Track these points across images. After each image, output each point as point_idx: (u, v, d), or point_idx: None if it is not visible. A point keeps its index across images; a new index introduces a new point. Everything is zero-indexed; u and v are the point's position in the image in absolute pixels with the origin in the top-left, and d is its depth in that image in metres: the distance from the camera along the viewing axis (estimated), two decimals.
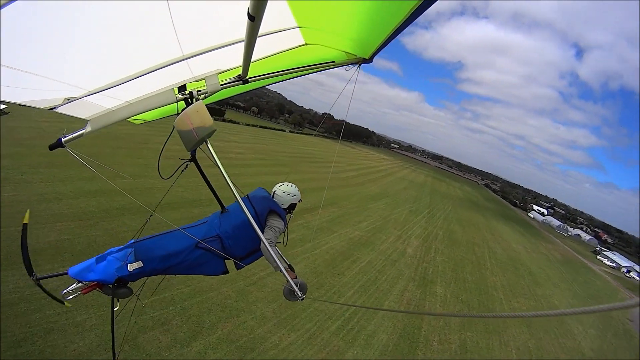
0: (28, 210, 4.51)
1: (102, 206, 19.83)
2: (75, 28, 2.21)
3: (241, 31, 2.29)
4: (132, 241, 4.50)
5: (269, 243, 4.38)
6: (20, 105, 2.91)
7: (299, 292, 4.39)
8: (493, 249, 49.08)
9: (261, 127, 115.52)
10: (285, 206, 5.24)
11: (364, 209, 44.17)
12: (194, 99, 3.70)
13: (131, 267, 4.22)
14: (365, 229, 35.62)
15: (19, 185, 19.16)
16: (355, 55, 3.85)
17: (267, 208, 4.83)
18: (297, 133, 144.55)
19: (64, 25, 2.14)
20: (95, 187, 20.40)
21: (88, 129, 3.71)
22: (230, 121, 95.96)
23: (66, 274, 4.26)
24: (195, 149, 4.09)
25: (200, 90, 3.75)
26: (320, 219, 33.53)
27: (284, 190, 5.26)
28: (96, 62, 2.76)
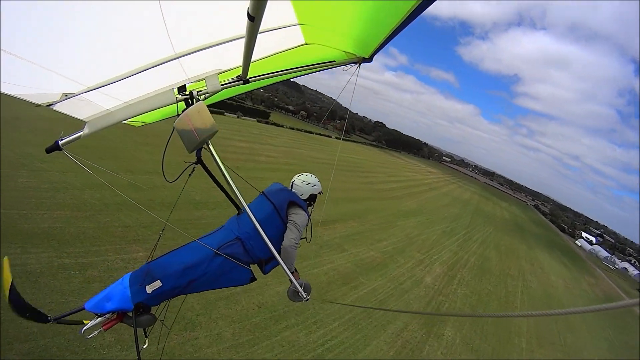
0: (6, 258, 3.76)
1: (105, 200, 20.07)
2: (74, 18, 2.20)
3: (241, 28, 2.27)
4: (147, 262, 4.23)
5: (294, 244, 4.30)
6: (18, 98, 2.89)
7: (303, 293, 4.32)
8: (528, 283, 42.58)
9: (306, 131, 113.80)
10: (305, 197, 5.00)
11: (391, 226, 39.89)
12: (195, 100, 3.65)
13: (150, 288, 3.92)
14: (383, 249, 31.34)
15: (34, 172, 20.27)
16: (355, 55, 3.86)
17: (287, 200, 4.60)
18: (344, 139, 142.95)
19: (63, 14, 2.12)
20: (100, 181, 21.28)
21: (86, 131, 3.65)
22: (274, 124, 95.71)
23: (83, 309, 3.95)
24: (200, 150, 4.01)
25: (200, 91, 3.71)
26: (334, 234, 30.29)
27: (303, 180, 5.06)
28: (95, 56, 2.74)
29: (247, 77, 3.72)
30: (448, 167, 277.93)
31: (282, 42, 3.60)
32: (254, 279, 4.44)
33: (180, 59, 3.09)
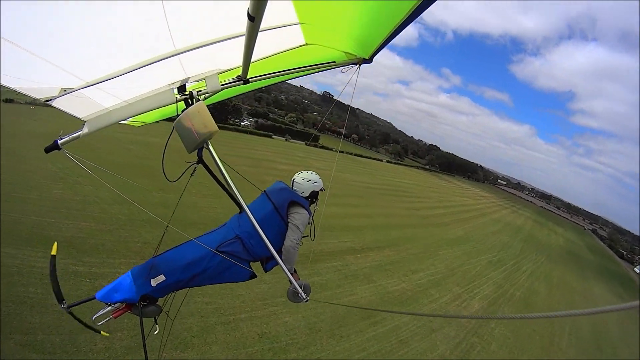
0: (55, 243, 4.61)
1: (131, 215, 20.60)
2: (78, 10, 2.22)
3: (241, 28, 2.29)
4: (153, 256, 4.43)
5: (295, 244, 4.35)
6: (16, 91, 2.91)
7: (303, 294, 4.38)
8: (577, 320, 37.43)
9: (355, 154, 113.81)
10: (306, 194, 5.02)
11: (432, 255, 36.14)
12: (194, 100, 3.67)
13: (154, 281, 4.16)
14: (417, 281, 27.65)
15: (70, 185, 21.89)
16: (355, 56, 3.87)
17: (287, 199, 4.63)
18: (394, 163, 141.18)
19: (66, 5, 2.15)
20: (133, 198, 22.15)
21: (85, 130, 3.70)
22: (322, 147, 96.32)
23: (94, 298, 4.29)
24: (201, 150, 4.04)
25: (200, 91, 3.72)
26: (364, 263, 27.08)
27: (304, 177, 5.06)
28: (96, 51, 2.76)
29: (247, 77, 3.74)
30: (503, 190, 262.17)
31: (282, 42, 3.61)
32: (254, 276, 4.54)
33: (180, 56, 3.11)
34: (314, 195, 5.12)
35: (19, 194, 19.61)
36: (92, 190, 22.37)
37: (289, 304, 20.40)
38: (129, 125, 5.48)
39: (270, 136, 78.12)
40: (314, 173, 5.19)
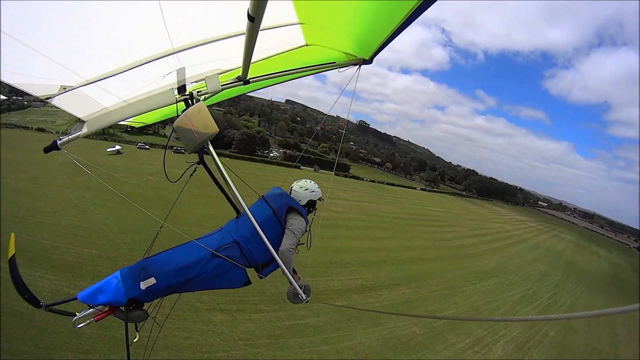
0: (12, 235, 4.21)
1: (132, 245, 21.02)
2: (78, 8, 2.24)
3: (241, 29, 2.30)
4: (144, 257, 4.25)
5: (290, 249, 4.23)
6: (16, 88, 2.87)
7: (303, 295, 4.27)
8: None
9: (388, 184, 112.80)
10: (303, 203, 4.91)
11: (456, 292, 32.23)
12: (194, 100, 3.65)
13: (144, 284, 3.94)
14: (432, 323, 23.49)
15: (81, 212, 23.56)
16: (355, 56, 3.84)
17: (286, 205, 4.55)
18: (429, 191, 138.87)
19: (65, 7, 2.17)
20: (140, 227, 21.91)
21: (85, 130, 3.68)
22: (353, 176, 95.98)
23: (75, 298, 4.02)
24: (202, 151, 3.98)
25: (200, 91, 3.71)
26: (374, 302, 24.26)
27: (301, 186, 4.99)
28: (96, 49, 2.78)
29: (247, 78, 3.73)
30: (544, 212, 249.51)
31: (282, 43, 3.62)
32: (248, 283, 4.39)
33: (179, 56, 3.13)
34: (311, 205, 5.03)
35: (33, 218, 20.79)
36: (101, 219, 23.30)
37: (273, 345, 19.11)
38: (129, 124, 5.49)
39: (298, 167, 77.98)
40: (312, 182, 5.11)
